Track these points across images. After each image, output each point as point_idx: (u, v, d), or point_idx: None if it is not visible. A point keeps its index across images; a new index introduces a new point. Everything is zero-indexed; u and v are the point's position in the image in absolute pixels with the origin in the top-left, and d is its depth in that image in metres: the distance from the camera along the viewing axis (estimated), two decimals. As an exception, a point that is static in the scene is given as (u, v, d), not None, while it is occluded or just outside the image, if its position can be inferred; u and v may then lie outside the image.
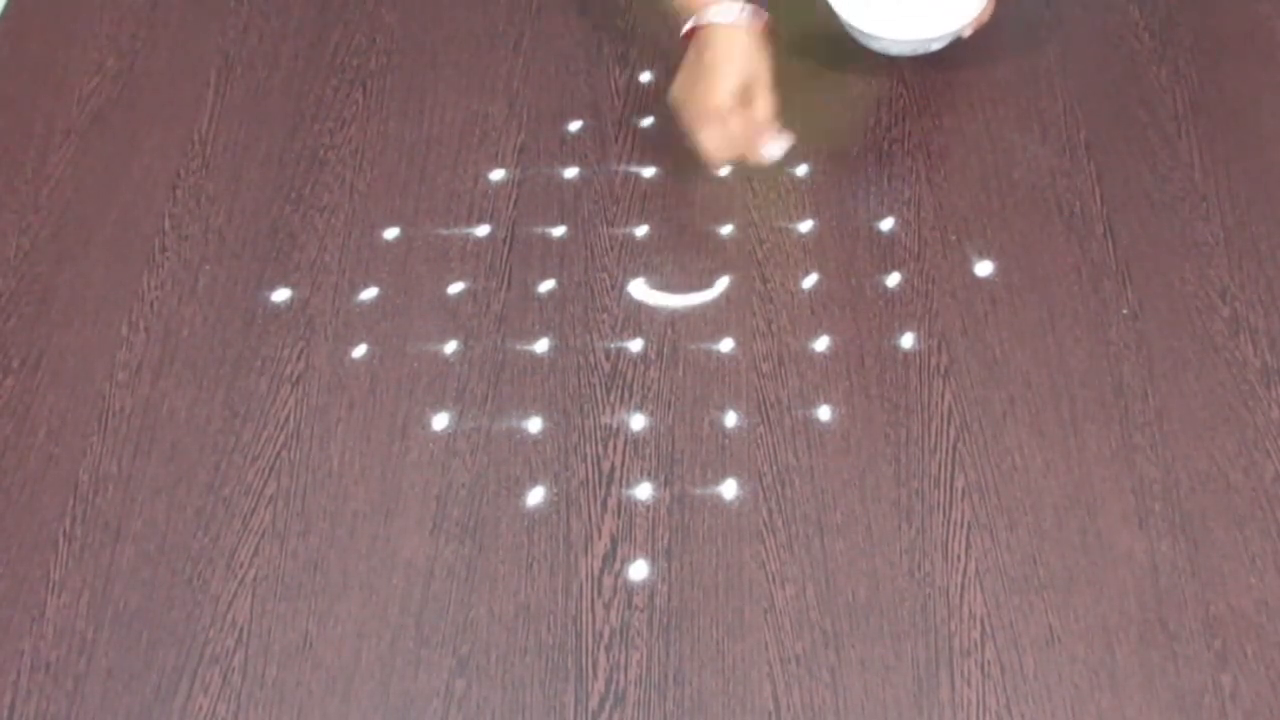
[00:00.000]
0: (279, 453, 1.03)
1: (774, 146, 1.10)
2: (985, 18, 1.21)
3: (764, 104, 1.09)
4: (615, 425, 1.03)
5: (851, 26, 1.21)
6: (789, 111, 1.22)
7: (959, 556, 0.95)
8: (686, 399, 1.04)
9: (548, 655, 0.92)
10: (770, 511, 0.98)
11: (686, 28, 1.10)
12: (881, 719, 0.88)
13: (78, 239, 1.16)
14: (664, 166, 1.18)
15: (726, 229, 1.14)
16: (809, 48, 1.25)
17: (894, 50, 1.22)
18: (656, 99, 1.23)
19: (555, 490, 1.00)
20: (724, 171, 1.15)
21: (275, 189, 1.19)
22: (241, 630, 0.94)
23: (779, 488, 0.99)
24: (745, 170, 1.18)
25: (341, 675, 0.92)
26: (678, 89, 1.12)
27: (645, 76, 1.26)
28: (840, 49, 1.24)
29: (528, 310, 1.10)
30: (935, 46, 1.21)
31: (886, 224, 1.13)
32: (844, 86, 1.24)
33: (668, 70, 1.25)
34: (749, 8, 1.09)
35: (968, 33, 1.20)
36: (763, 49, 1.09)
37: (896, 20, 1.21)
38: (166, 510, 1.00)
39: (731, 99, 1.07)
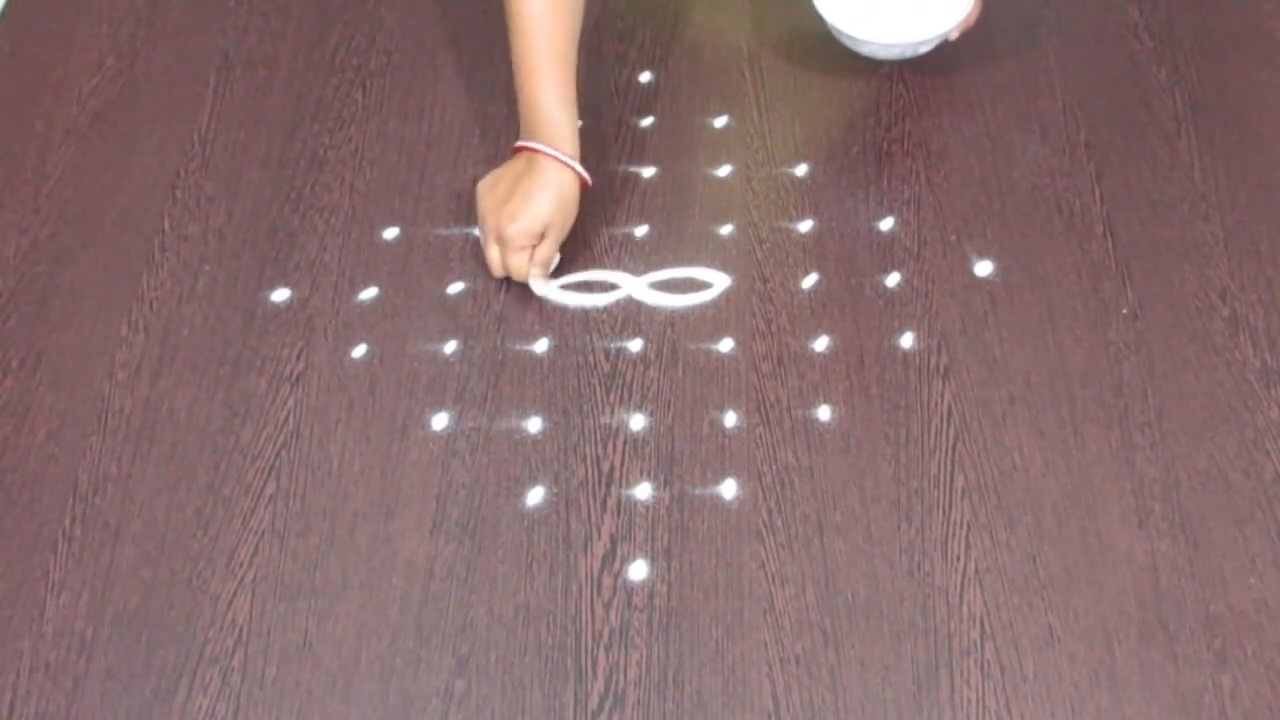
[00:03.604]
0: (279, 453, 1.03)
1: (539, 285, 1.09)
2: (971, 21, 1.21)
3: (551, 247, 1.08)
4: (615, 425, 1.03)
5: (838, 31, 1.21)
6: (789, 110, 1.22)
7: (959, 556, 0.95)
8: (686, 399, 1.04)
9: (547, 655, 0.92)
10: (770, 511, 0.98)
11: (522, 143, 1.07)
12: (881, 719, 0.88)
13: (77, 239, 1.16)
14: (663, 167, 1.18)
15: (726, 229, 1.14)
16: (809, 47, 1.25)
17: (881, 55, 1.22)
18: (656, 99, 1.23)
19: (555, 490, 1.00)
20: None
21: (275, 189, 1.19)
22: (241, 630, 0.94)
23: (779, 488, 0.99)
24: (745, 172, 1.18)
25: (341, 675, 0.92)
26: (486, 189, 1.08)
27: (645, 76, 1.26)
28: (838, 49, 1.24)
29: (527, 310, 1.10)
30: (923, 50, 1.21)
31: (886, 224, 1.13)
32: (843, 86, 1.24)
33: (668, 70, 1.26)
34: (576, 164, 1.07)
35: (954, 35, 1.20)
36: (576, 201, 1.08)
37: (882, 25, 1.21)
38: (166, 510, 1.00)
39: (529, 239, 1.06)
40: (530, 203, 1.05)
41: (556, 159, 1.06)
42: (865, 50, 1.22)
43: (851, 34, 1.20)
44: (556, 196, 1.06)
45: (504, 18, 1.09)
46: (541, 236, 1.07)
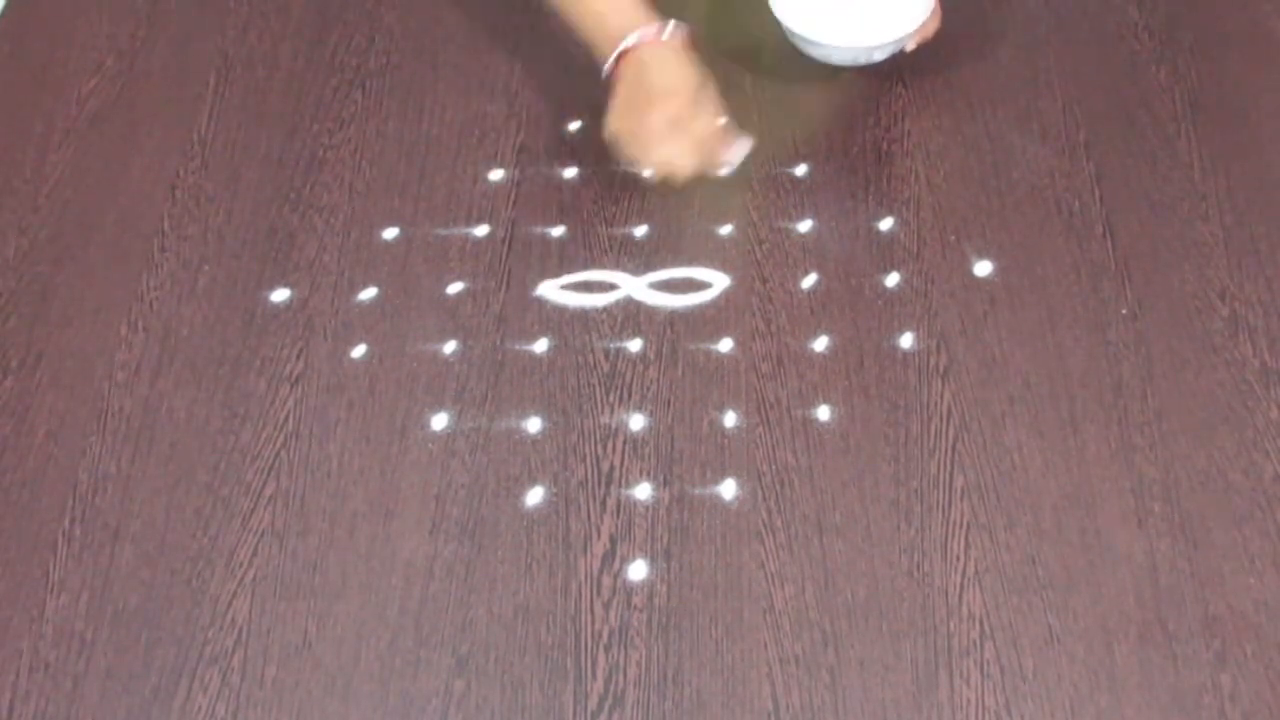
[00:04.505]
0: (278, 453, 1.03)
1: (736, 151, 1.10)
2: (930, 33, 1.20)
3: (715, 111, 1.07)
4: (614, 425, 1.03)
5: (792, 33, 1.21)
6: (789, 110, 1.22)
7: (958, 556, 0.95)
8: (686, 399, 1.04)
9: (547, 655, 0.92)
10: (769, 511, 0.98)
11: (614, 56, 1.07)
12: (880, 719, 0.88)
13: (77, 239, 1.16)
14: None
15: (726, 229, 1.14)
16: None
17: (835, 59, 1.21)
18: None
19: (554, 490, 1.00)
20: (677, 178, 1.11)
21: (274, 189, 1.19)
22: (241, 630, 0.94)
23: (778, 488, 0.99)
24: (744, 171, 1.18)
25: (341, 675, 0.92)
26: (617, 119, 1.08)
27: (645, 76, 1.26)
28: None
29: (527, 310, 1.10)
30: (878, 57, 1.20)
31: (886, 224, 1.13)
32: (843, 86, 1.24)
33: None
34: (670, 23, 1.07)
35: (910, 46, 1.20)
36: (695, 59, 1.08)
37: (836, 27, 1.20)
38: (166, 510, 1.00)
39: (710, 100, 1.06)
40: (658, 90, 1.05)
41: (660, 40, 1.05)
42: (819, 54, 1.21)
43: (805, 35, 1.19)
44: (683, 61, 1.06)
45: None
46: (693, 110, 1.06)
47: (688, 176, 1.09)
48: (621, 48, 1.06)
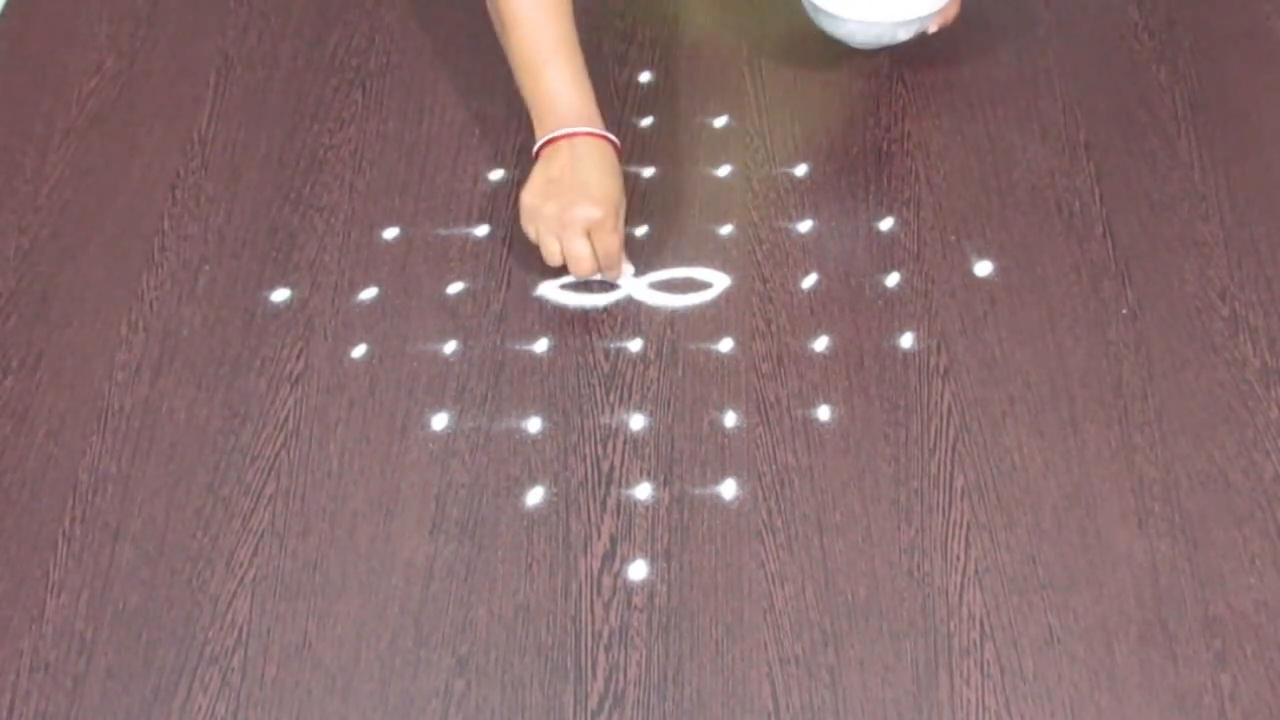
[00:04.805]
0: (278, 453, 1.03)
1: (625, 273, 1.09)
2: (950, 17, 1.20)
3: (622, 230, 1.06)
4: (614, 425, 1.03)
5: (817, 9, 1.20)
6: (789, 110, 1.22)
7: (958, 556, 0.95)
8: (686, 399, 1.04)
9: (547, 655, 0.92)
10: (769, 511, 0.98)
11: (552, 135, 1.05)
12: (881, 719, 0.88)
13: (77, 239, 1.16)
14: (664, 168, 1.18)
15: (726, 229, 1.14)
16: (809, 47, 1.25)
17: (860, 37, 1.20)
18: (656, 99, 1.24)
19: (554, 490, 1.00)
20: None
21: (274, 189, 1.19)
22: (241, 630, 0.94)
23: (778, 488, 0.99)
24: (744, 171, 1.18)
25: (341, 675, 0.92)
26: (536, 197, 1.04)
27: (645, 76, 1.26)
28: (838, 49, 1.24)
29: (527, 310, 1.10)
30: (901, 36, 1.20)
31: (886, 224, 1.13)
32: (843, 86, 1.24)
33: (668, 70, 1.26)
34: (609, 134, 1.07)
35: (932, 28, 1.20)
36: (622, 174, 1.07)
37: (864, 4, 1.19)
38: (166, 510, 1.00)
39: (618, 216, 1.04)
40: (606, 178, 1.04)
41: (597, 135, 1.05)
42: (843, 31, 1.21)
43: (831, 11, 1.19)
44: (616, 169, 1.05)
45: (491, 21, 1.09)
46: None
47: (580, 276, 1.07)
48: (564, 131, 1.04)
